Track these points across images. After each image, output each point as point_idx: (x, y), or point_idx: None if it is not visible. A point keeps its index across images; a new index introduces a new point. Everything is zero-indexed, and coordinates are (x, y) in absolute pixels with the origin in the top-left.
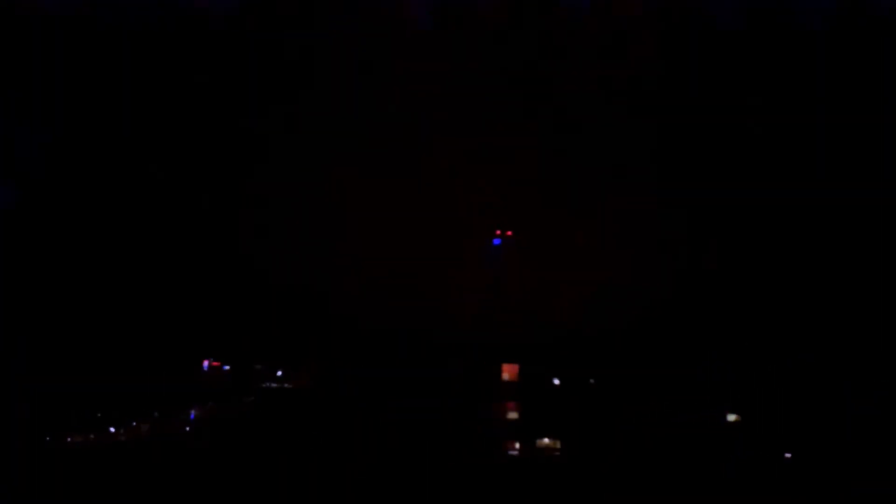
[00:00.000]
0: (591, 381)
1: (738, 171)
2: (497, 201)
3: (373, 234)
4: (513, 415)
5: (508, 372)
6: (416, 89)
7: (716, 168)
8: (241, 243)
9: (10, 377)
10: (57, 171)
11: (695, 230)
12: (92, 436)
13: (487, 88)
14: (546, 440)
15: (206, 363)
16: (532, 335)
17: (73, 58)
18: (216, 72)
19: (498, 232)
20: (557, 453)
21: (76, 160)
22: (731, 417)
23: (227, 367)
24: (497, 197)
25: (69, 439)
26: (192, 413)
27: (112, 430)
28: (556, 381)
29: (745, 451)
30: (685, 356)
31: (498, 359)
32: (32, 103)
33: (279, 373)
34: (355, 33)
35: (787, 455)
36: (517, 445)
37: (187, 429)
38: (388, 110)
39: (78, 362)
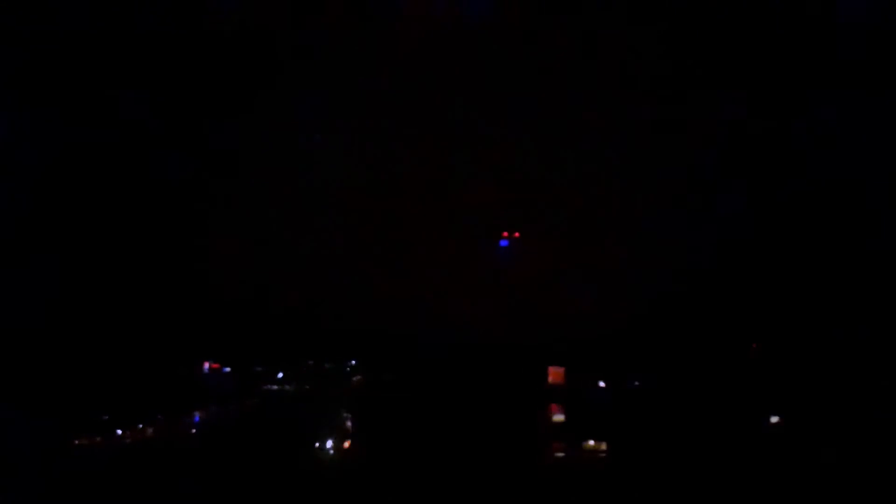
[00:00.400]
0: (636, 382)
1: (746, 165)
2: (503, 203)
3: (379, 236)
4: (558, 417)
5: (554, 374)
6: (421, 89)
7: (725, 164)
8: (245, 245)
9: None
10: (59, 174)
11: (716, 226)
12: (98, 438)
13: (490, 88)
14: (591, 442)
15: (206, 365)
16: (545, 337)
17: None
18: (217, 73)
19: (505, 234)
20: (603, 455)
21: (77, 162)
22: (774, 419)
23: (228, 370)
24: (503, 198)
25: (76, 441)
26: (197, 416)
27: (119, 432)
28: (602, 384)
29: (789, 452)
30: (725, 357)
31: (521, 361)
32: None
33: (280, 374)
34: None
35: (831, 457)
36: (562, 448)
37: (193, 431)
38: (392, 111)
39: (84, 366)
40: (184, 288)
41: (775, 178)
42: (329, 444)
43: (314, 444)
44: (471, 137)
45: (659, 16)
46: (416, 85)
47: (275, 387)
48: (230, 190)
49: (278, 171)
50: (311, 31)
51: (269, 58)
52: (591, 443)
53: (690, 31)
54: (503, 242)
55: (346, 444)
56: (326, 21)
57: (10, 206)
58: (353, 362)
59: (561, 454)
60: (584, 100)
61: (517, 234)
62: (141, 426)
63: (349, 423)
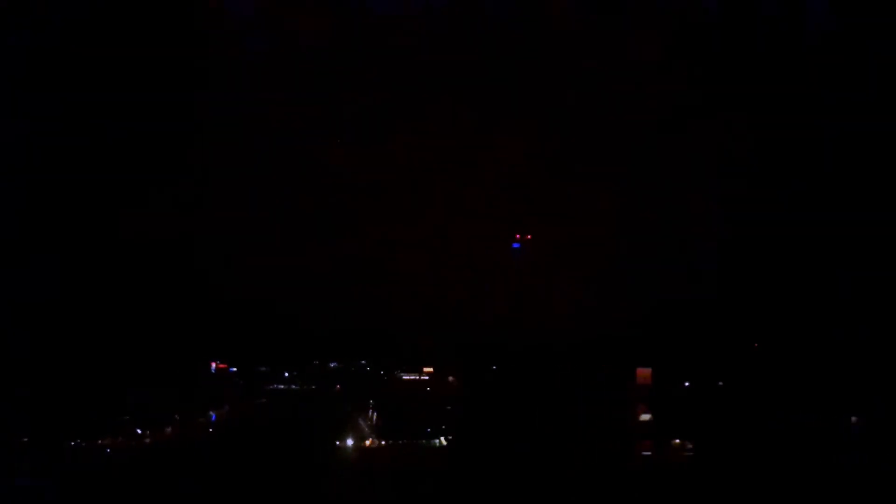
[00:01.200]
0: (720, 383)
1: (748, 166)
2: (515, 206)
3: (393, 240)
4: (645, 416)
5: (642, 375)
6: (427, 93)
7: (739, 167)
8: (251, 247)
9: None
10: (66, 175)
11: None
12: (120, 438)
13: (501, 92)
14: (678, 441)
15: (213, 365)
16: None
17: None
18: (219, 73)
19: (518, 236)
20: (689, 454)
21: (80, 163)
22: (853, 419)
23: (234, 370)
24: (515, 201)
25: (100, 441)
26: (213, 415)
27: (139, 431)
28: (687, 384)
29: (867, 452)
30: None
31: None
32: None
33: (286, 374)
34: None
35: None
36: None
37: (210, 430)
38: (404, 115)
39: (104, 373)
40: (192, 291)
41: (776, 179)
42: (350, 442)
43: (335, 443)
44: (478, 140)
45: (663, 18)
46: (421, 88)
47: (282, 386)
48: (244, 197)
49: (283, 172)
50: (313, 32)
51: (271, 58)
52: (678, 441)
53: (692, 33)
54: (515, 245)
55: (368, 443)
56: (331, 22)
57: (13, 207)
58: (362, 362)
59: (648, 452)
60: (587, 102)
61: (529, 237)
62: (159, 426)
63: (361, 423)
